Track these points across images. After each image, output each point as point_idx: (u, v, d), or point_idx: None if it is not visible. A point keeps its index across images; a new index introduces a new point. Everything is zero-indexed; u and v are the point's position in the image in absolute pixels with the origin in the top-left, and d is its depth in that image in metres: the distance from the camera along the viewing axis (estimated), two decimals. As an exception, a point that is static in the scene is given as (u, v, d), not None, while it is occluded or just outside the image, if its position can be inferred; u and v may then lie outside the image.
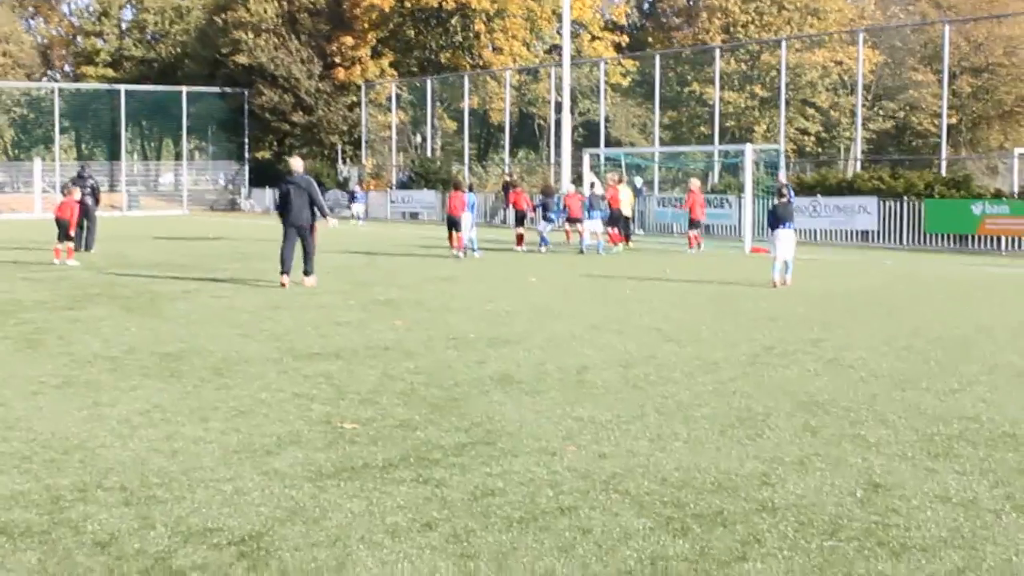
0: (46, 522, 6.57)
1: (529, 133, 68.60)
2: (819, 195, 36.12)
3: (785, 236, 21.12)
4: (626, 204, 32.37)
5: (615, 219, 31.18)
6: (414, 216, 52.92)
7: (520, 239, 31.62)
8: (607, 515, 6.69)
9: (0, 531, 6.39)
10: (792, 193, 30.12)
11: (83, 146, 78.21)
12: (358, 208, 49.84)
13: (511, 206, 34.35)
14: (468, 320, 15.74)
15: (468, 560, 5.90)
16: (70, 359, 12.31)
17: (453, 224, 28.13)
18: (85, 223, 28.86)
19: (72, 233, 25.91)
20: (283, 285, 19.84)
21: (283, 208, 20.43)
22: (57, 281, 21.26)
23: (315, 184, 20.80)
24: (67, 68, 78.94)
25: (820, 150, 65.81)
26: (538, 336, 14.18)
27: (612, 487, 7.28)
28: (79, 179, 29.85)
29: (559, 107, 49.15)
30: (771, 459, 8.03)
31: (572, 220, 32.22)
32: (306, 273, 20.27)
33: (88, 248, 28.84)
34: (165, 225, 45.31)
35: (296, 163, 20.96)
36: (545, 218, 31.64)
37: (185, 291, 19.57)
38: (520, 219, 32.79)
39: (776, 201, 22.36)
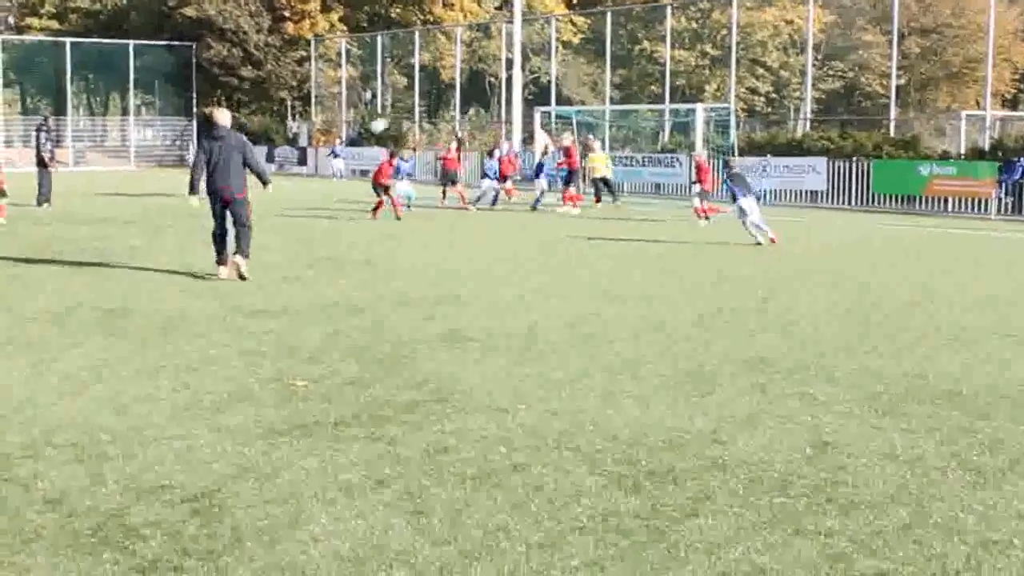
0: (-5, 479, 6.53)
1: (480, 90, 68.34)
2: (769, 155, 36.24)
3: (750, 203, 21.20)
4: (602, 165, 32.16)
5: (571, 179, 30.86)
6: (364, 173, 52.63)
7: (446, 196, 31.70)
8: (559, 472, 6.73)
9: (-52, 489, 6.34)
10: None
11: (28, 100, 77.14)
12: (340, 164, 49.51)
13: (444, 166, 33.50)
14: (415, 280, 15.72)
15: (422, 516, 5.93)
16: (11, 316, 12.19)
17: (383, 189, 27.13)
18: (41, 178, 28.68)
19: None
20: (220, 276, 15.53)
21: (209, 174, 15.58)
22: (1, 236, 21.01)
23: (249, 143, 16.49)
24: (10, 20, 77.71)
25: (770, 110, 66.06)
26: (486, 296, 14.19)
27: (563, 444, 7.32)
28: (43, 131, 29.60)
29: (510, 64, 49.01)
30: (721, 417, 8.09)
31: (504, 178, 32.04)
32: (239, 253, 15.48)
33: (44, 202, 28.53)
34: (112, 181, 44.82)
35: (222, 116, 16.09)
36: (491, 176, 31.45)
37: (131, 247, 19.40)
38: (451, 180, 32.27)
39: (727, 173, 22.31)
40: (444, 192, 32.18)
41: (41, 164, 28.88)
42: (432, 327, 11.73)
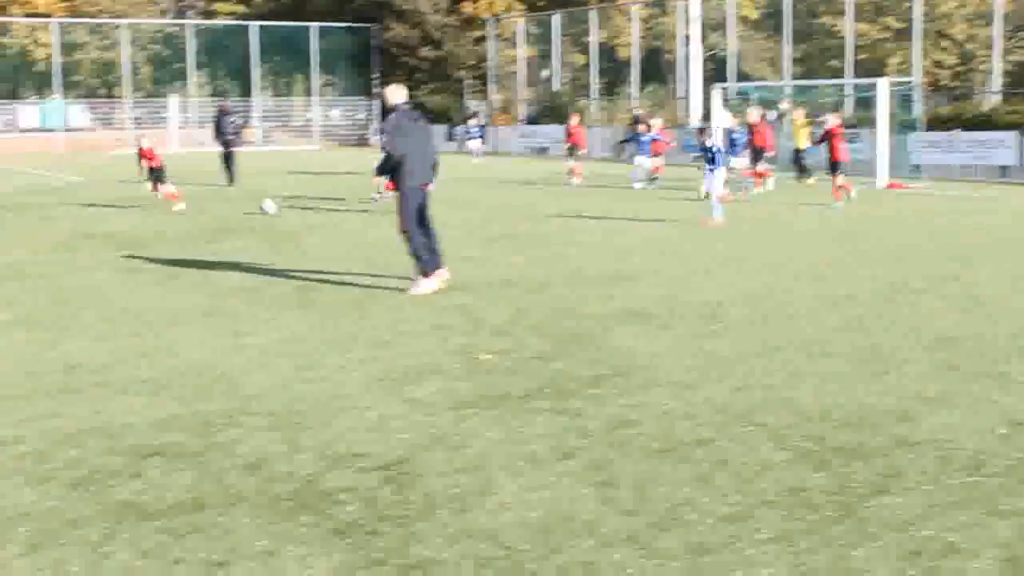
0: (198, 445, 6.83)
1: (657, 68, 67.91)
2: (957, 129, 35.23)
3: (721, 174, 20.32)
4: (805, 135, 31.32)
5: (757, 157, 29.35)
6: (542, 151, 52.85)
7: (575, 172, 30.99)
8: (744, 447, 6.73)
9: (156, 452, 6.66)
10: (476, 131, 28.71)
11: (216, 82, 79.44)
12: (474, 144, 49.23)
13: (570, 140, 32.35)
14: (593, 255, 15.76)
15: (608, 488, 6.01)
16: (210, 291, 12.65)
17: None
18: (229, 160, 29.66)
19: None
20: (437, 288, 12.59)
21: (414, 166, 12.51)
22: (197, 215, 21.74)
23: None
24: (199, 5, 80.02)
25: (956, 83, 64.17)
26: (666, 271, 14.17)
27: (748, 420, 7.32)
28: (224, 115, 30.52)
29: (687, 41, 48.65)
30: (909, 395, 7.97)
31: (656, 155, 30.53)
32: (440, 262, 12.85)
33: (232, 182, 29.47)
34: (298, 160, 45.92)
35: (399, 92, 12.88)
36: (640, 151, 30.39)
37: (321, 224, 19.89)
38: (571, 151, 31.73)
39: (708, 142, 21.18)
40: (571, 170, 31.07)
41: (226, 147, 29.83)
42: (614, 303, 11.79)
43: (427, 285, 12.44)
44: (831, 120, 26.24)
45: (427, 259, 12.56)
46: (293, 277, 13.53)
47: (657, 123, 32.45)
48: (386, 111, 12.99)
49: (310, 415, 7.47)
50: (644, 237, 18.12)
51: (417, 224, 12.55)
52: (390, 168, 12.74)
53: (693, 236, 18.27)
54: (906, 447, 6.72)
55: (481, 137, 49.32)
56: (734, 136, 29.52)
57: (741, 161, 28.78)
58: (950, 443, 6.81)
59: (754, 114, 29.80)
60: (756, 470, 6.30)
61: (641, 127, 31.49)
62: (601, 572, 4.95)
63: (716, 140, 22.73)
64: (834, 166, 24.79)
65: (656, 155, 30.61)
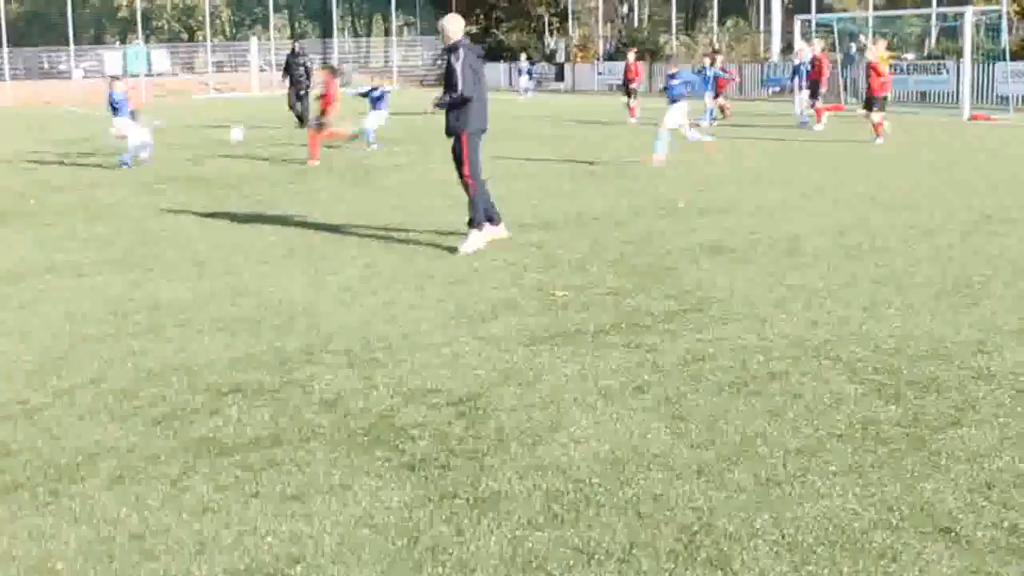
0: (276, 382, 6.95)
1: (738, 1, 67.03)
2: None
3: (680, 108, 19.44)
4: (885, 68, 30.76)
5: (816, 92, 27.65)
6: (617, 87, 52.52)
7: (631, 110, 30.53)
8: (818, 381, 6.71)
9: (236, 389, 6.79)
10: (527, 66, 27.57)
11: (296, 25, 79.72)
12: (523, 80, 48.49)
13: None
14: (677, 188, 15.69)
15: (680, 422, 6.03)
16: (293, 229, 12.79)
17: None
18: (300, 101, 29.69)
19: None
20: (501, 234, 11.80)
21: (477, 107, 11.44)
22: (279, 158, 21.92)
23: None
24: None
25: (1047, 11, 62.56)
26: (750, 203, 14.08)
27: (823, 354, 7.29)
28: (294, 57, 30.60)
29: (770, -28, 47.86)
30: (988, 327, 7.89)
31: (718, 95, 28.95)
32: (496, 217, 11.86)
33: (303, 124, 29.59)
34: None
35: (459, 23, 11.76)
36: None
37: (397, 165, 19.97)
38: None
39: (673, 70, 20.43)
40: (628, 105, 30.59)
41: (296, 88, 29.86)
42: (694, 237, 11.76)
43: (478, 238, 11.39)
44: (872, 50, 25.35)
45: (489, 210, 11.65)
46: (374, 215, 13.63)
47: (719, 58, 31.51)
48: (448, 47, 11.46)
49: (386, 352, 7.56)
50: (725, 170, 17.98)
51: (480, 174, 11.57)
52: (451, 107, 11.38)
53: (779, 167, 18.10)
54: (981, 380, 6.67)
55: (530, 74, 49.01)
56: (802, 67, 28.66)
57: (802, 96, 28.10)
58: (1027, 375, 6.74)
59: (816, 47, 28.89)
60: (828, 403, 6.28)
61: (706, 60, 30.72)
62: (670, 504, 4.98)
63: (691, 74, 22.14)
64: (870, 101, 24.11)
65: (719, 93, 29.43)
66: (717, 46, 44.32)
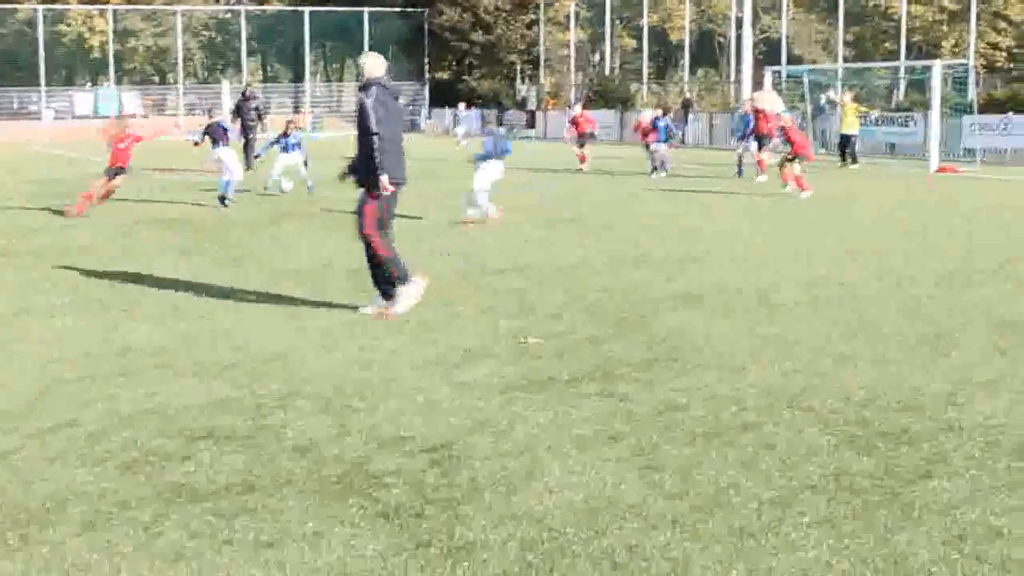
0: (250, 427, 6.92)
1: (709, 51, 67.66)
2: (1010, 113, 34.88)
3: (495, 167, 18.15)
4: (852, 119, 31.37)
5: (762, 144, 27.66)
6: (591, 136, 52.81)
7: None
8: (791, 431, 6.75)
9: (209, 434, 6.76)
10: (470, 115, 27.90)
11: (268, 68, 79.89)
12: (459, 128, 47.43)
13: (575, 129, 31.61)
14: (654, 238, 15.76)
15: (654, 471, 6.04)
16: (269, 274, 12.77)
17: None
18: (247, 144, 29.61)
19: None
20: (386, 314, 10.30)
21: (391, 155, 10.31)
22: (258, 200, 21.91)
23: None
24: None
25: (1012, 65, 63.38)
26: (723, 255, 14.16)
27: (796, 404, 7.32)
28: (244, 100, 30.60)
29: (739, 23, 48.38)
30: (959, 379, 7.95)
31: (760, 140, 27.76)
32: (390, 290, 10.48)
33: (249, 167, 29.45)
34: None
35: (381, 62, 10.74)
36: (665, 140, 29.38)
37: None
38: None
39: (496, 130, 20.31)
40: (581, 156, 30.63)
41: (245, 132, 29.78)
42: (669, 287, 11.81)
43: (413, 292, 10.38)
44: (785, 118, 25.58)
45: (402, 264, 10.40)
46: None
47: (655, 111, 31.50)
48: (362, 86, 10.53)
49: (361, 398, 7.55)
50: (699, 222, 18.09)
51: (386, 231, 10.45)
52: (364, 159, 10.32)
53: (750, 220, 18.23)
54: (953, 432, 6.71)
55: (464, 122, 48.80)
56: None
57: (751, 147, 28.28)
58: (998, 428, 6.79)
59: (763, 100, 29.09)
60: (802, 454, 6.31)
61: (657, 111, 31.00)
62: (645, 555, 4.99)
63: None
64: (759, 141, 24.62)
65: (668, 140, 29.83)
66: (689, 96, 44.67)
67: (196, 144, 22.07)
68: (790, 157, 23.17)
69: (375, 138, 10.15)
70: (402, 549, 5.07)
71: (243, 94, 31.62)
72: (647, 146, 29.27)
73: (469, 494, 5.74)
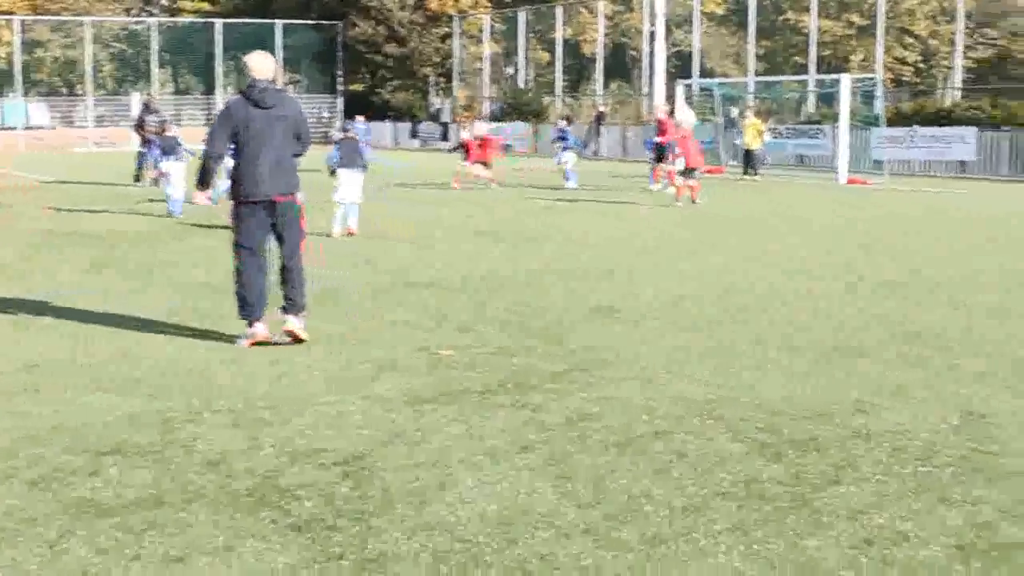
0: (159, 442, 6.82)
1: (622, 64, 68.10)
2: (915, 125, 35.57)
3: (351, 178, 17.72)
4: (753, 134, 31.92)
5: (662, 157, 27.39)
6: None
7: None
8: (702, 439, 6.79)
9: (116, 450, 6.65)
10: (359, 128, 28.36)
11: (179, 80, 79.11)
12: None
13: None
14: (568, 250, 15.83)
15: (566, 481, 6.05)
16: (176, 288, 12.63)
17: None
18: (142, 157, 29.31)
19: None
20: (255, 342, 9.55)
21: (244, 165, 9.49)
22: (157, 213, 21.67)
23: (305, 118, 10.06)
24: (164, 2, 79.68)
25: (918, 80, 64.57)
26: (637, 266, 14.25)
27: (708, 413, 7.38)
28: (147, 112, 30.23)
29: (652, 37, 48.77)
30: (867, 387, 8.07)
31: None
32: (288, 308, 9.66)
33: (138, 180, 29.14)
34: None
35: (261, 62, 9.68)
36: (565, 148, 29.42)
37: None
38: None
39: (340, 136, 19.38)
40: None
41: (144, 144, 29.48)
42: (581, 298, 11.86)
43: (253, 333, 9.56)
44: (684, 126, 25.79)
45: (251, 302, 9.55)
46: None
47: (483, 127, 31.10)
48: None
49: (271, 412, 7.48)
50: (614, 232, 18.20)
51: (250, 252, 9.60)
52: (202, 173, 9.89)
53: (663, 231, 18.36)
54: (861, 438, 6.81)
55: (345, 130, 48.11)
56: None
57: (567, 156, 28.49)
58: (904, 434, 6.90)
59: (660, 112, 29.49)
60: (713, 462, 6.36)
61: (562, 121, 31.40)
62: (558, 564, 4.99)
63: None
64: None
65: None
66: (603, 109, 44.94)
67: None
68: (680, 168, 23.45)
69: (206, 153, 9.67)
70: (313, 562, 5.03)
71: (145, 106, 31.19)
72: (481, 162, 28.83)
73: (381, 506, 5.71)
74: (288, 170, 9.54)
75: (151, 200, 23.31)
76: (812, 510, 5.60)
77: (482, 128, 29.46)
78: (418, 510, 5.65)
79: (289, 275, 9.67)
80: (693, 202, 22.77)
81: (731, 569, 4.92)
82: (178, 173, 20.99)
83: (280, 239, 9.66)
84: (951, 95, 45.03)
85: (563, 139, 29.68)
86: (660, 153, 27.52)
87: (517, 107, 55.09)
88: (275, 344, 9.47)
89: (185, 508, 5.68)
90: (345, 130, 19.73)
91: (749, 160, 32.44)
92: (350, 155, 17.88)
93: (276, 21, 65.22)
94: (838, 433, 6.93)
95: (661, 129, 27.84)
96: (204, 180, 9.94)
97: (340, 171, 17.75)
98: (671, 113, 29.04)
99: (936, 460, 6.38)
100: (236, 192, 9.62)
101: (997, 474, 6.14)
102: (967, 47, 51.95)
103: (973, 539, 5.22)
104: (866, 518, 5.48)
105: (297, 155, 9.71)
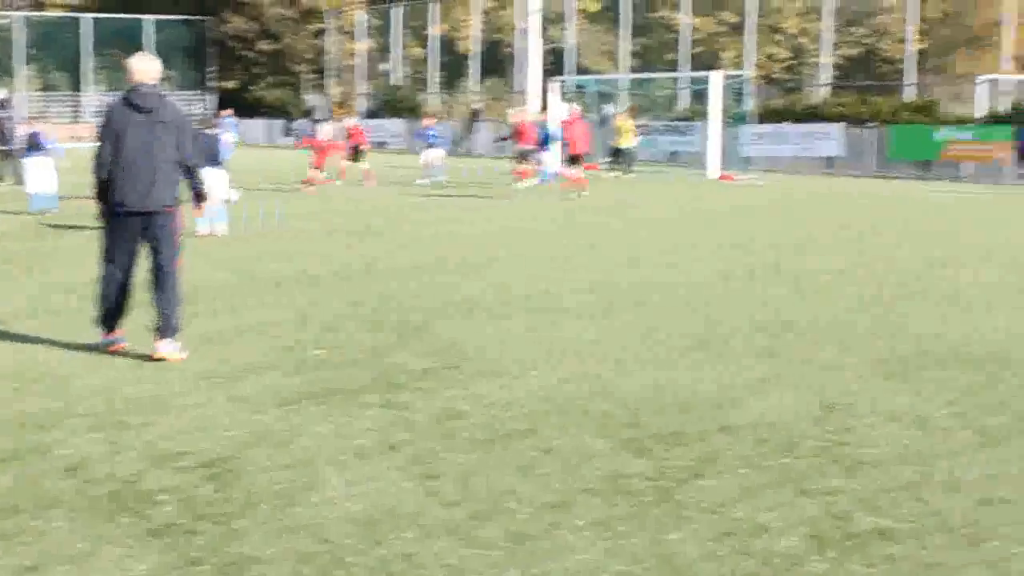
0: (14, 447, 6.65)
1: (497, 61, 68.19)
2: (786, 122, 36.22)
3: (216, 176, 16.69)
4: (628, 134, 32.20)
5: (524, 156, 28.06)
6: (381, 145, 52.70)
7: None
8: (568, 436, 6.83)
9: (-29, 457, 6.48)
10: (230, 122, 29.06)
11: (46, 76, 77.33)
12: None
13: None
14: (435, 248, 15.81)
15: (432, 480, 6.04)
16: (40, 288, 12.34)
17: None
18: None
19: None
20: (112, 348, 9.13)
21: (113, 175, 8.82)
22: (23, 213, 21.18)
23: (189, 122, 9.52)
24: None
25: (788, 76, 65.71)
26: (505, 262, 14.29)
27: (573, 409, 7.43)
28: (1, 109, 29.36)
29: (527, 34, 48.92)
30: (730, 380, 8.19)
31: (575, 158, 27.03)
32: (161, 330, 8.91)
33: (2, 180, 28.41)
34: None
35: (144, 64, 9.04)
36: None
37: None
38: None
39: (206, 131, 18.77)
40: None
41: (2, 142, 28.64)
42: (450, 294, 11.85)
43: (112, 341, 9.17)
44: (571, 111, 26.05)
45: (112, 313, 9.14)
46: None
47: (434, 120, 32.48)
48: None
49: (134, 415, 7.34)
50: (485, 228, 18.22)
51: (116, 264, 9.08)
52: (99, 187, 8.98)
53: (534, 226, 18.43)
54: (724, 432, 6.90)
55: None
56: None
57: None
58: (766, 426, 7.02)
59: (517, 114, 29.84)
60: (578, 458, 6.40)
61: (425, 121, 31.89)
62: (421, 562, 4.98)
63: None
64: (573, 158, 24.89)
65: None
66: (479, 106, 44.99)
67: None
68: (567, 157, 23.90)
69: (95, 167, 8.89)
70: (173, 567, 4.94)
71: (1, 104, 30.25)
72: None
73: (245, 508, 5.64)
74: (167, 180, 8.85)
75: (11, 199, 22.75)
76: (675, 504, 5.66)
77: (351, 121, 29.36)
78: (283, 512, 5.59)
79: (162, 294, 8.96)
80: (576, 195, 22.99)
81: (595, 564, 4.95)
82: (41, 170, 20.53)
83: (154, 253, 8.97)
84: (820, 92, 45.92)
85: (428, 138, 30.57)
86: (522, 154, 27.93)
87: (392, 104, 54.87)
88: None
89: (41, 516, 5.55)
90: (212, 126, 18.80)
91: (621, 157, 32.74)
92: (210, 153, 17.01)
93: (146, 16, 64.11)
94: (702, 426, 7.02)
95: (517, 132, 28.21)
96: (102, 197, 8.98)
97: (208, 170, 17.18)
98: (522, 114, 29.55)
99: (796, 452, 6.50)
100: (108, 200, 8.90)
101: (854, 465, 6.27)
102: (835, 44, 53.04)
103: (829, 529, 5.33)
104: (727, 511, 5.56)
105: (187, 166, 9.02)
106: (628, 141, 32.51)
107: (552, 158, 28.47)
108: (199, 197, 9.38)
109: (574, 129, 27.54)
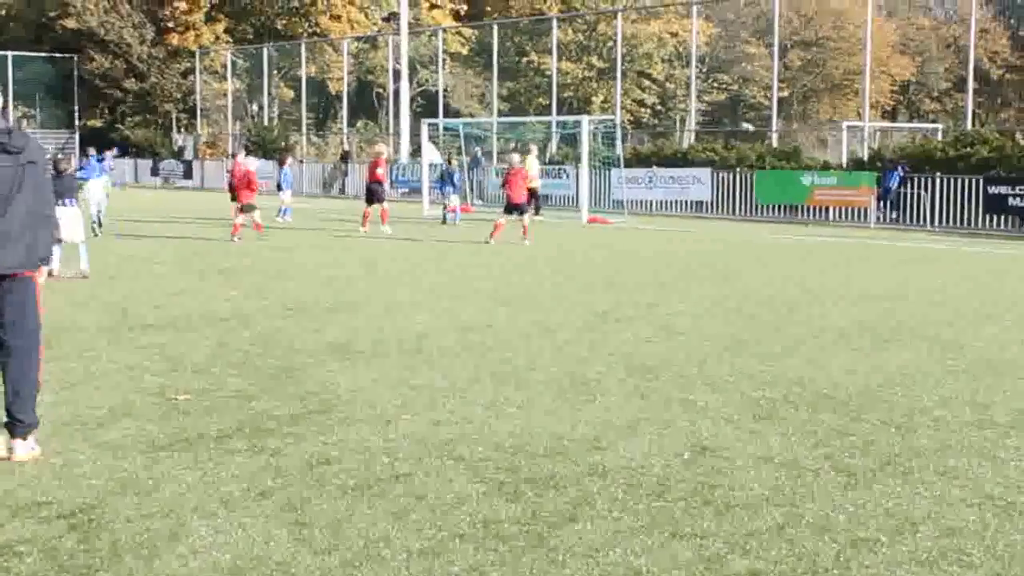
0: None
1: (368, 102, 68.19)
2: (654, 167, 36.71)
3: (66, 215, 16.11)
4: (536, 175, 32.28)
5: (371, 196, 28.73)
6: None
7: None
8: (441, 481, 6.77)
9: None
10: (98, 159, 30.13)
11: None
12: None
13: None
14: (306, 287, 15.66)
15: (303, 527, 5.93)
16: None
17: None
18: None
19: None
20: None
21: None
22: None
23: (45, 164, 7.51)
24: None
25: (656, 121, 66.80)
26: (377, 303, 14.20)
27: (446, 454, 7.37)
28: None
29: (397, 76, 48.99)
30: (602, 423, 8.21)
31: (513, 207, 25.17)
32: (14, 429, 7.14)
33: None
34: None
35: None
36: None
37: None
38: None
39: (55, 172, 16.64)
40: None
41: None
42: (320, 337, 11.73)
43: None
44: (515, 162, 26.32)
45: None
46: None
47: (289, 158, 35.52)
48: None
49: (-9, 463, 7.10)
50: (354, 270, 18.11)
51: None
52: None
53: (405, 266, 18.37)
54: (597, 475, 6.90)
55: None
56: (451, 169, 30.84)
57: (452, 196, 29.85)
58: (639, 470, 7.03)
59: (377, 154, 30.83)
60: (451, 503, 6.34)
61: (283, 162, 34.09)
62: (291, 614, 4.88)
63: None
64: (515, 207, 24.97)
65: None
66: (347, 147, 44.85)
67: None
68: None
69: None
70: (31, 623, 4.77)
71: None
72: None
73: (108, 560, 5.47)
74: (33, 235, 7.11)
75: None
76: (548, 549, 5.64)
77: (253, 163, 27.62)
78: (148, 563, 5.44)
79: (14, 383, 7.21)
80: (524, 240, 23.42)
81: (467, 612, 4.90)
82: None
83: (5, 328, 7.22)
84: (688, 137, 46.73)
85: (282, 178, 32.78)
86: (370, 196, 28.69)
87: (262, 144, 54.43)
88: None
89: None
90: (59, 169, 17.02)
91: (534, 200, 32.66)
92: (63, 192, 16.03)
93: (6, 52, 62.80)
94: (575, 470, 7.01)
95: (372, 172, 29.16)
96: None
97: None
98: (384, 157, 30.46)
99: (669, 495, 6.52)
100: None
101: (726, 506, 6.31)
102: (701, 91, 54.04)
103: (703, 572, 5.35)
104: (601, 555, 5.55)
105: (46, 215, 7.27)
106: (535, 182, 32.56)
107: (456, 198, 30.50)
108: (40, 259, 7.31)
109: (515, 180, 27.37)
